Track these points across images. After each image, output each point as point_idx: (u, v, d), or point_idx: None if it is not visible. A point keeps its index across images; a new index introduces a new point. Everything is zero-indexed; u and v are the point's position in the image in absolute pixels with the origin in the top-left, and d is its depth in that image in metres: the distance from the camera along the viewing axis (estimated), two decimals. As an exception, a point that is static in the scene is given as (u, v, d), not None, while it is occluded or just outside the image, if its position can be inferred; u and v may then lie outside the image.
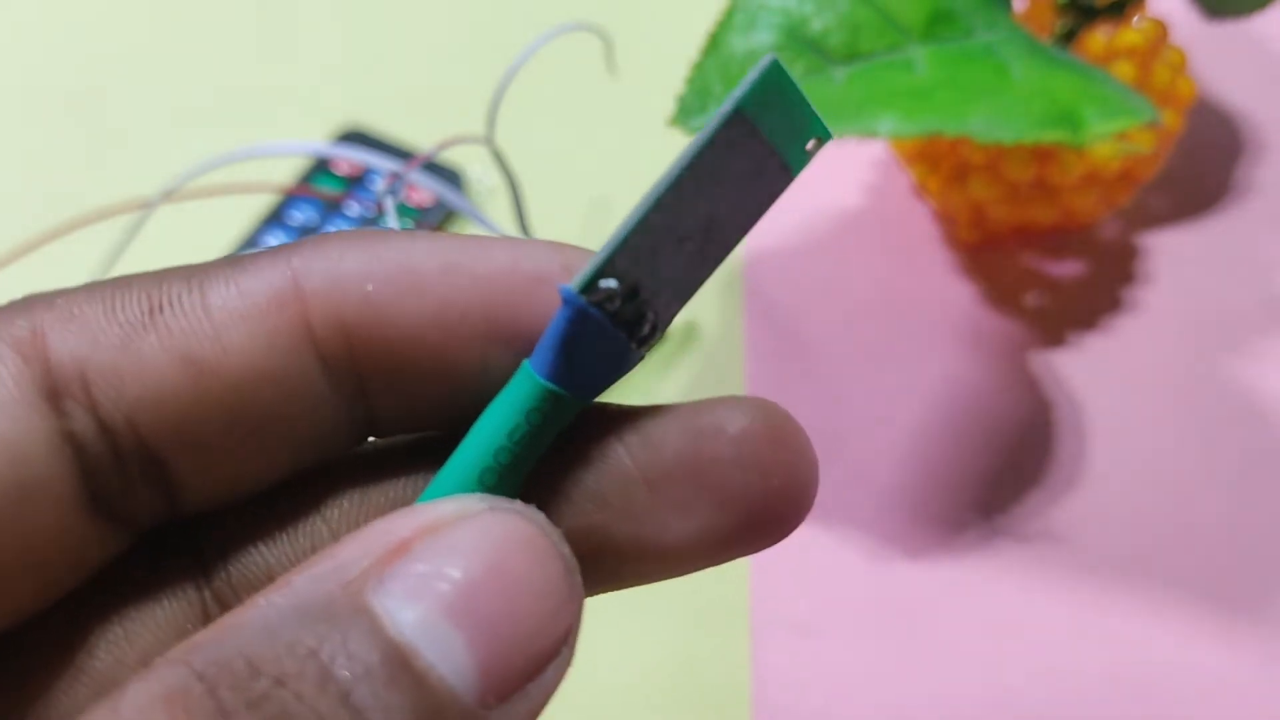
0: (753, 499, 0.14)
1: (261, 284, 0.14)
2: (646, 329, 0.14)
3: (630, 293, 0.14)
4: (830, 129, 0.15)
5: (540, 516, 0.13)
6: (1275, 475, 0.35)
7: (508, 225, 0.37)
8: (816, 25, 0.32)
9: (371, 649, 0.12)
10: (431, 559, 0.12)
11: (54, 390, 0.13)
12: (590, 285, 0.13)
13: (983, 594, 0.33)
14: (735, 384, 0.37)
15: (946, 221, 0.40)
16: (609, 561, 0.14)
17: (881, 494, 0.35)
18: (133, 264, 0.39)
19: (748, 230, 0.14)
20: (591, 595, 0.14)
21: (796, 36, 0.32)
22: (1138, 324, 0.38)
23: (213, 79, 0.47)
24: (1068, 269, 0.40)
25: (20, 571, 0.13)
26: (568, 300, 0.13)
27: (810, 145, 0.14)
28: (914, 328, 0.39)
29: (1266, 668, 0.32)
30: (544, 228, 0.38)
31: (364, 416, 0.15)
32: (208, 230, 0.41)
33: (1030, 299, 0.39)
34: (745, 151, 0.14)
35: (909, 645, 0.32)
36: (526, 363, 0.14)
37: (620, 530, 0.14)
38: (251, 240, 0.41)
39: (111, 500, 0.14)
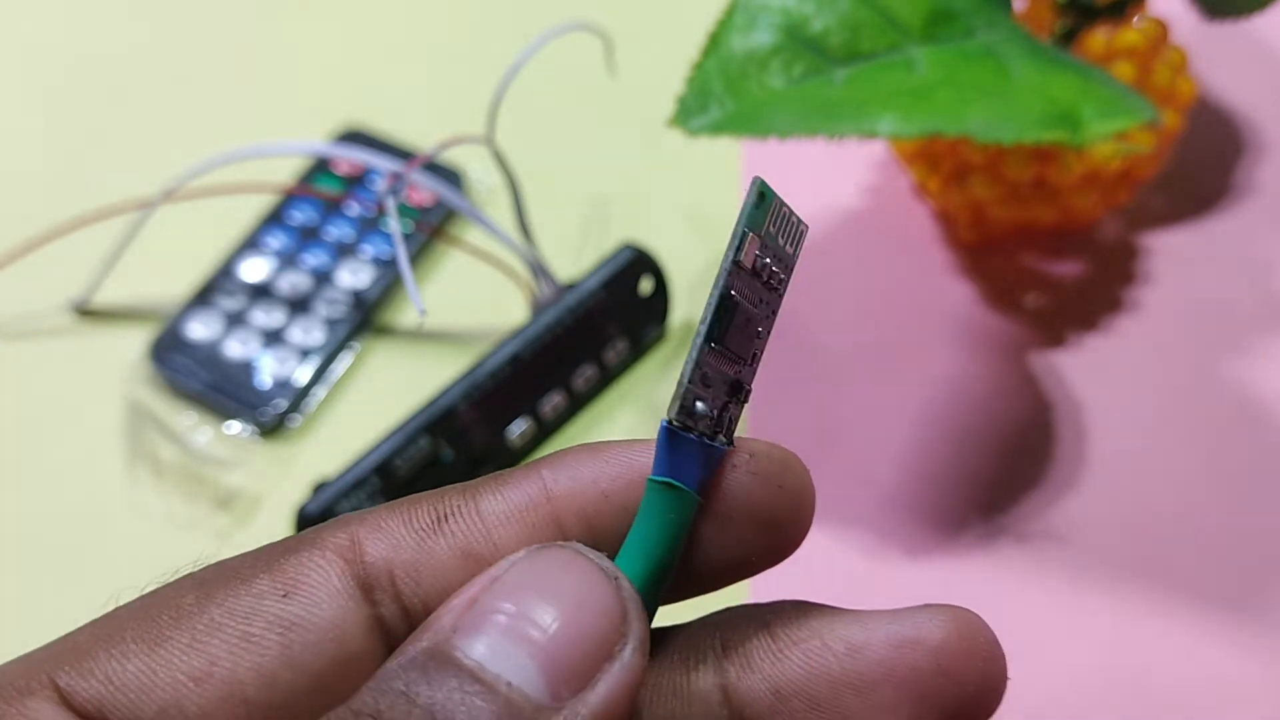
0: (948, 702, 0.16)
1: (520, 493, 0.17)
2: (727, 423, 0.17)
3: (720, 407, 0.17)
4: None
5: (578, 545, 0.16)
6: (1275, 475, 0.35)
7: (508, 225, 0.37)
8: (816, 25, 0.32)
9: (448, 677, 0.14)
10: (490, 601, 0.15)
11: (368, 584, 0.17)
12: (676, 411, 0.17)
13: (983, 594, 0.33)
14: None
15: (946, 221, 0.40)
16: None
17: (881, 494, 0.35)
18: (134, 263, 0.40)
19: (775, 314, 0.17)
20: None
21: (796, 36, 0.32)
22: (1138, 324, 0.38)
23: (213, 79, 0.47)
24: (1068, 269, 0.40)
25: None
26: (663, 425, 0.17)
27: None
28: (914, 328, 0.39)
29: (1267, 667, 0.32)
30: (544, 228, 0.38)
31: None
32: (208, 230, 0.41)
33: (1030, 299, 0.39)
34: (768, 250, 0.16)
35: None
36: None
37: None
38: (252, 240, 0.41)
39: None
